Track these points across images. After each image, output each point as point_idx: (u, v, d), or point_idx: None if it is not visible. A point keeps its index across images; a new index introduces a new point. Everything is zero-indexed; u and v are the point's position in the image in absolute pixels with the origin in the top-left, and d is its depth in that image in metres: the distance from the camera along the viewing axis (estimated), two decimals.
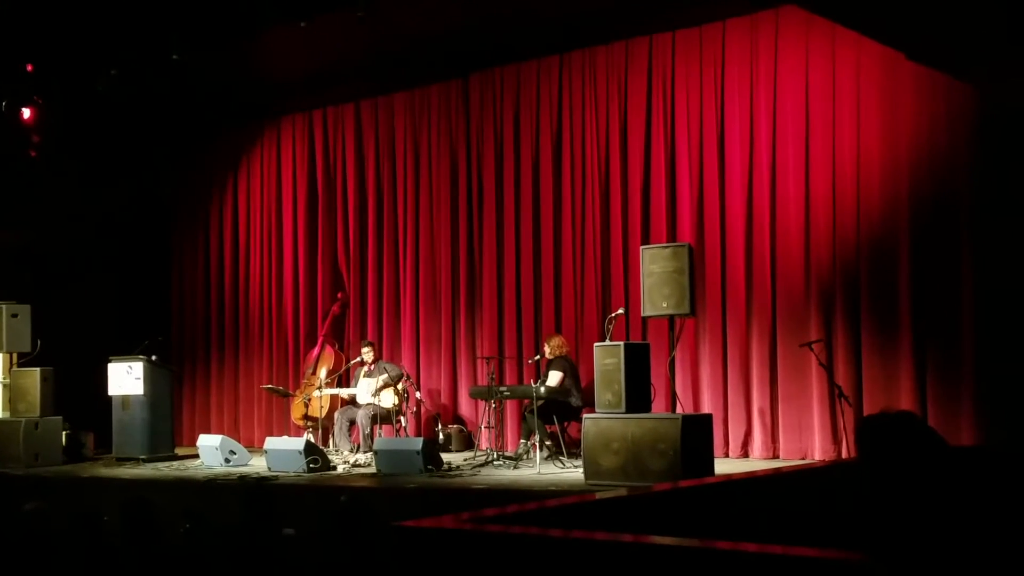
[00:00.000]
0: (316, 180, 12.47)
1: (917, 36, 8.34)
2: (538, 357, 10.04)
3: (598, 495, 4.44)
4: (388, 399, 10.31)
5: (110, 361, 11.05)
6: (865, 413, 8.54)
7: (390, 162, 11.91)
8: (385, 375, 10.32)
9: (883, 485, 2.54)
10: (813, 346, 8.73)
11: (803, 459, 8.92)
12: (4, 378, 11.90)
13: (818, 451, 8.95)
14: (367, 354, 10.63)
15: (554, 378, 9.54)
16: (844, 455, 8.66)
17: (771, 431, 9.29)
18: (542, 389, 9.23)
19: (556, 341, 9.82)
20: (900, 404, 8.35)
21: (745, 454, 9.38)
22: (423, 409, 11.10)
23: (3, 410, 11.97)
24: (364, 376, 10.63)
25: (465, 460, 9.60)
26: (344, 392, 10.97)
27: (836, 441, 8.85)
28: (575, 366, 9.82)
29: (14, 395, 11.09)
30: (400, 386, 10.43)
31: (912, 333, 8.63)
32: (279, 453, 9.22)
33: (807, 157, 9.23)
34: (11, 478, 10.11)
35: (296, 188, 12.58)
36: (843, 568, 2.27)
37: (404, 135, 11.79)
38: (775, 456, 9.20)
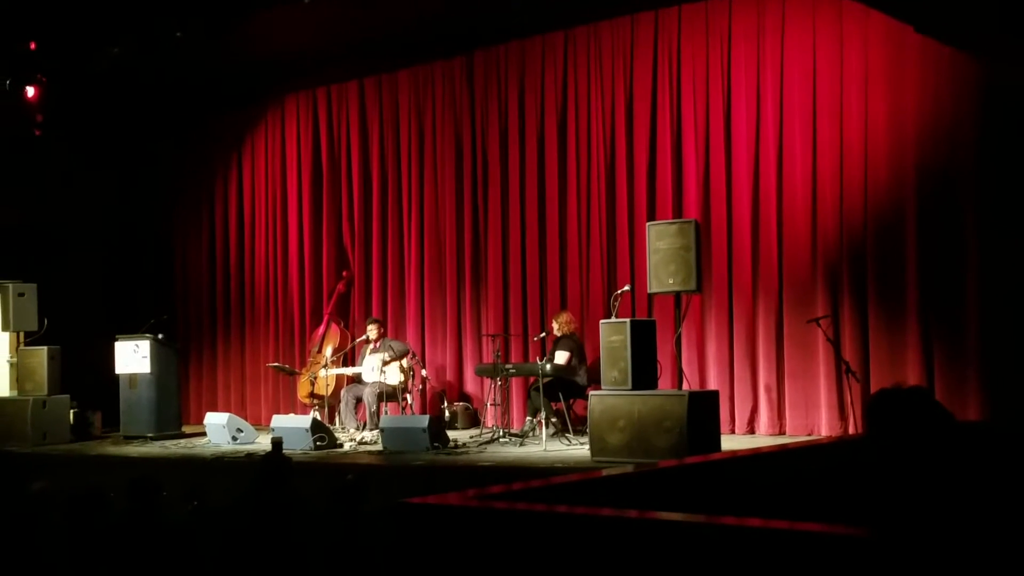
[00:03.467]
0: (320, 158, 12.43)
1: (925, 7, 8.29)
2: (544, 335, 10.03)
3: (604, 472, 4.44)
4: (394, 376, 10.31)
5: (117, 340, 11.07)
6: (872, 389, 8.54)
7: (394, 140, 11.87)
8: (389, 351, 10.34)
9: (891, 458, 2.53)
10: (820, 322, 8.71)
11: (809, 435, 8.92)
12: (11, 357, 11.94)
13: (825, 427, 8.94)
14: (372, 331, 10.64)
15: (561, 357, 9.52)
16: (851, 431, 8.65)
17: (777, 407, 9.28)
18: (548, 367, 9.22)
19: (564, 318, 9.79)
20: (907, 379, 8.34)
21: (751, 431, 9.38)
22: (429, 387, 11.11)
23: (11, 389, 12.01)
24: (370, 354, 10.64)
25: (471, 437, 9.61)
26: (349, 371, 10.98)
27: (843, 417, 8.84)
28: (582, 344, 9.81)
29: (21, 374, 11.13)
30: (406, 363, 10.43)
31: (919, 308, 8.60)
32: (285, 431, 9.24)
33: (814, 132, 9.17)
34: (19, 456, 10.16)
35: (300, 166, 12.55)
36: (848, 543, 2.26)
37: (408, 112, 11.74)
38: (781, 432, 9.19)
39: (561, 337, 9.69)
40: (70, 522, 5.18)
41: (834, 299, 9.04)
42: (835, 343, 8.78)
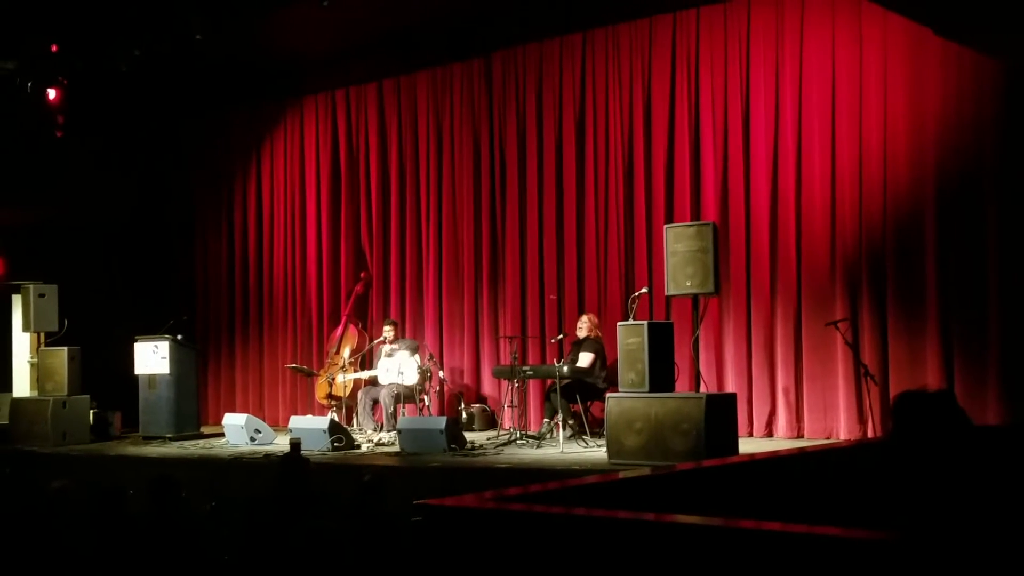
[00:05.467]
0: (339, 159, 12.46)
1: (945, 10, 8.25)
2: (562, 336, 10.00)
3: (621, 474, 4.43)
4: (411, 377, 10.33)
5: (136, 340, 11.13)
6: (891, 392, 8.49)
7: (413, 141, 11.88)
8: (405, 351, 10.38)
9: (913, 460, 2.52)
10: (839, 325, 8.67)
11: (828, 439, 8.88)
12: (32, 357, 12.04)
13: (843, 431, 8.90)
14: (388, 332, 10.66)
15: (586, 359, 9.46)
16: (870, 435, 8.61)
17: (796, 411, 9.24)
18: (565, 369, 9.20)
19: (593, 321, 9.69)
20: (926, 383, 8.29)
21: (769, 434, 9.34)
22: (446, 388, 11.12)
23: (31, 389, 12.11)
24: (385, 356, 10.66)
25: (488, 439, 9.61)
26: (365, 375, 11.01)
27: (861, 421, 8.80)
28: (604, 347, 9.75)
29: (42, 374, 11.20)
30: (423, 365, 10.45)
31: (938, 311, 8.55)
32: (303, 432, 9.26)
33: (833, 134, 9.14)
34: (40, 456, 10.22)
35: (319, 167, 12.59)
36: (867, 547, 2.26)
37: (427, 114, 11.75)
38: (800, 436, 9.16)
39: (585, 339, 9.61)
40: (92, 519, 5.21)
41: (853, 301, 9.00)
42: (854, 346, 8.73)
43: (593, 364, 9.45)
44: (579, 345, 9.66)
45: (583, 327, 9.68)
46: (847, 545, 2.28)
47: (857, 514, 2.71)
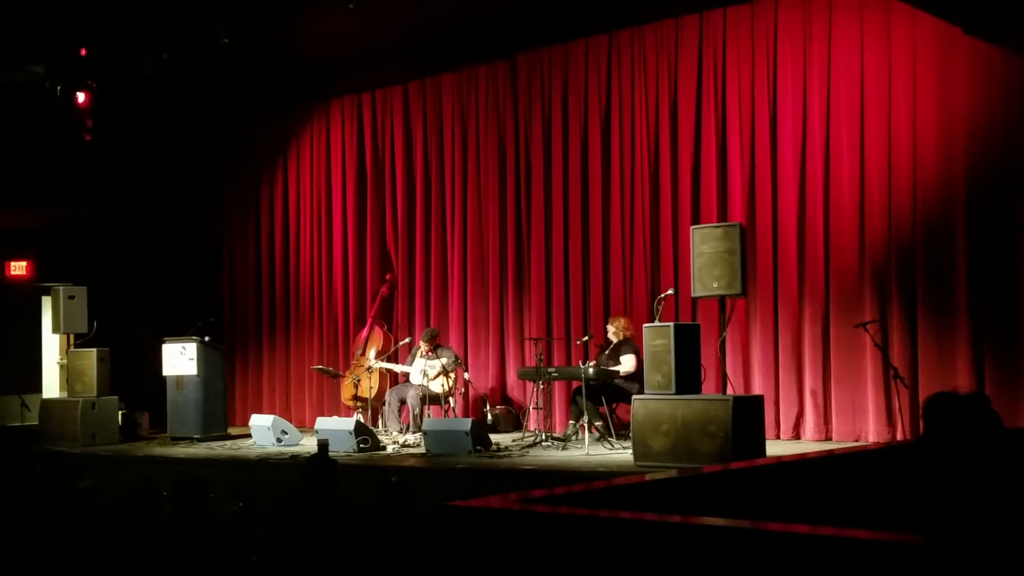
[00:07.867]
0: (365, 162, 12.50)
1: (974, 8, 8.18)
2: (587, 338, 9.96)
3: (647, 476, 4.41)
4: (438, 385, 10.34)
5: (164, 342, 11.21)
6: (921, 395, 8.41)
7: (438, 143, 11.90)
8: (443, 359, 10.30)
9: (944, 462, 2.49)
10: (868, 326, 8.60)
11: (856, 441, 8.81)
12: (61, 359, 12.15)
13: (872, 433, 8.83)
14: (424, 345, 10.52)
15: (628, 362, 9.28)
16: (899, 437, 8.54)
17: (824, 413, 9.17)
18: (591, 371, 9.16)
19: (624, 323, 9.57)
20: (957, 385, 8.21)
21: (797, 436, 9.28)
22: (471, 390, 11.11)
23: (61, 390, 12.22)
24: (420, 356, 10.60)
25: (513, 441, 9.60)
26: (398, 368, 11.00)
27: (891, 423, 8.72)
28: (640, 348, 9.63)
29: (71, 375, 11.30)
30: (450, 370, 10.43)
31: (969, 312, 8.47)
32: (329, 433, 9.28)
33: (861, 134, 9.07)
34: (69, 456, 10.31)
35: (345, 170, 12.63)
36: (895, 550, 2.23)
37: (452, 116, 11.77)
38: (828, 438, 9.09)
39: (623, 342, 9.50)
40: (121, 515, 5.24)
41: (882, 303, 8.93)
42: (883, 348, 8.66)
43: (637, 365, 9.13)
44: (619, 348, 9.48)
45: (617, 332, 9.53)
46: (875, 548, 2.25)
47: (886, 517, 2.68)
